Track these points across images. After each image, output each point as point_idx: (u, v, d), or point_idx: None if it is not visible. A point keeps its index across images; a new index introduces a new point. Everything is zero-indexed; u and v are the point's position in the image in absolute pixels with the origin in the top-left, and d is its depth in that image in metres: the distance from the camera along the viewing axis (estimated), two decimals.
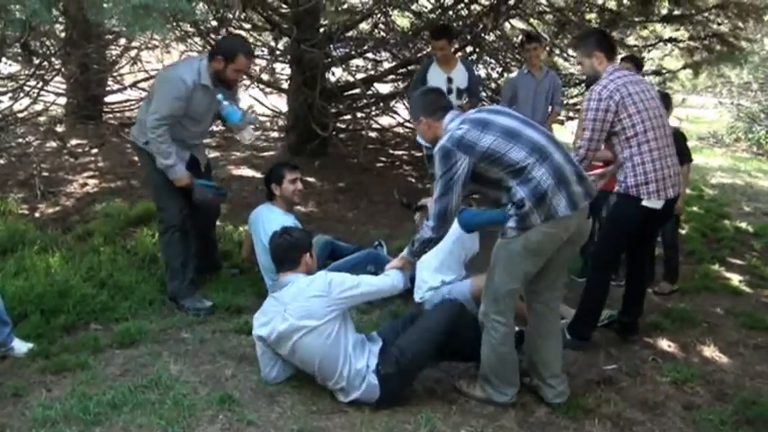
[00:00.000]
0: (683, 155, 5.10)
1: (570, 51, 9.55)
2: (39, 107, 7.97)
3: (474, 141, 3.34)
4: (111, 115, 9.89)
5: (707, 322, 4.85)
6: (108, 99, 9.98)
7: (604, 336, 4.51)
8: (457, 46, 8.00)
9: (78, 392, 3.46)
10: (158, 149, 4.43)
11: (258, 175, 7.45)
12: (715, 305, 5.20)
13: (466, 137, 3.35)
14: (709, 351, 4.43)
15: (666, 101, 5.29)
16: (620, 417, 3.59)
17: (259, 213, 4.90)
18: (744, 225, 7.66)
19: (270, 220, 4.66)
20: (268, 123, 10.45)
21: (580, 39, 4.20)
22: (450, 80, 6.15)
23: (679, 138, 5.12)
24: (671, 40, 8.92)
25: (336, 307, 3.49)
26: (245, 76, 5.29)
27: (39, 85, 7.59)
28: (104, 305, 4.45)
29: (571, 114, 8.53)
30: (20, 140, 8.14)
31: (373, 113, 9.33)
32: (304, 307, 3.47)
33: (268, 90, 9.65)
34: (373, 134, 9.99)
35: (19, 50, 7.40)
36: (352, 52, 8.51)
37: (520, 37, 8.16)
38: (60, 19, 7.70)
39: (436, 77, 6.17)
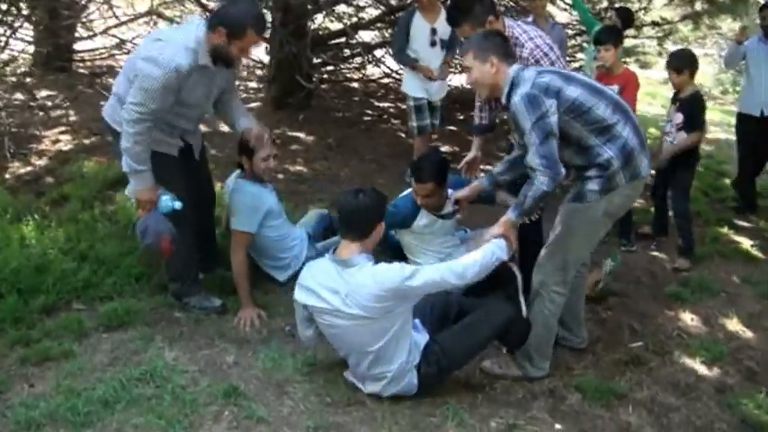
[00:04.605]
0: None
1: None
2: (4, 56, 7.34)
3: (560, 88, 3.08)
4: (81, 65, 9.28)
5: (725, 292, 4.71)
6: (77, 47, 9.33)
7: (626, 310, 4.29)
8: None
9: (64, 387, 3.09)
10: (132, 150, 3.45)
11: None
12: (730, 272, 5.05)
13: (552, 83, 3.08)
14: (732, 324, 4.27)
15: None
16: (653, 402, 3.37)
17: (228, 183, 4.35)
18: None
19: (237, 191, 4.14)
20: (245, 73, 9.91)
21: (463, 11, 3.62)
22: (434, 31, 5.80)
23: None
24: None
25: (407, 301, 3.07)
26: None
27: (6, 33, 6.94)
28: (87, 282, 4.02)
29: (575, 66, 8.13)
30: None
31: (359, 64, 8.86)
32: (367, 301, 2.96)
33: None
34: (358, 85, 9.55)
35: None
36: None
37: None
38: None
39: (420, 29, 5.82)
